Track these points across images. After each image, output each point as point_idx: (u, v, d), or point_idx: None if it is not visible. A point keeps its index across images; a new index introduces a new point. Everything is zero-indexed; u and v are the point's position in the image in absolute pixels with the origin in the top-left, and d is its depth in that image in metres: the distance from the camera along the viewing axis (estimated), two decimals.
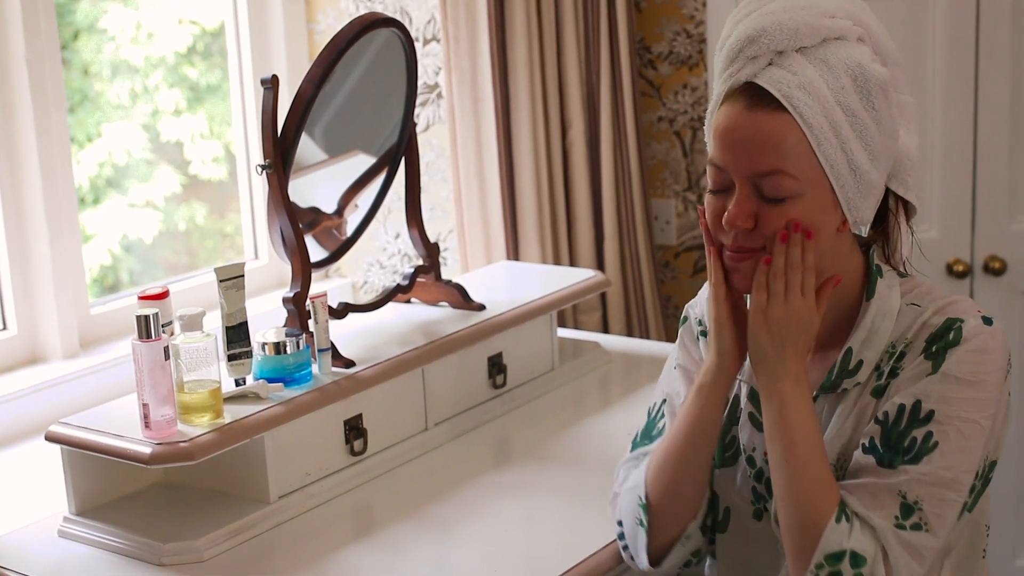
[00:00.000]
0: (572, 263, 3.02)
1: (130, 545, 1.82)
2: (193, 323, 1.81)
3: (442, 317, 2.27)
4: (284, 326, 2.05)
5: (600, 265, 3.05)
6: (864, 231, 1.58)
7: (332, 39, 2.06)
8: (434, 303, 2.34)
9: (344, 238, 2.25)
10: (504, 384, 2.32)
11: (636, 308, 3.08)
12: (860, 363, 1.52)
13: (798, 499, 1.44)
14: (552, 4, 2.88)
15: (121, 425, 1.85)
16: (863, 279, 1.55)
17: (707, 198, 1.52)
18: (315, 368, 2.02)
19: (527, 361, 2.39)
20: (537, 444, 2.18)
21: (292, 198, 2.05)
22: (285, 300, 2.05)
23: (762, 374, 1.49)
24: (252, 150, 2.87)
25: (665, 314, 3.22)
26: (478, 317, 2.27)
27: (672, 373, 1.71)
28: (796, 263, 1.45)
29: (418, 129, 2.61)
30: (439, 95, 2.94)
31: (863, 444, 1.48)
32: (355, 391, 2.01)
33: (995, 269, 2.98)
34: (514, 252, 2.89)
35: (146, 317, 1.77)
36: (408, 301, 2.35)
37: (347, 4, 2.87)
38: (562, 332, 2.64)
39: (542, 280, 2.51)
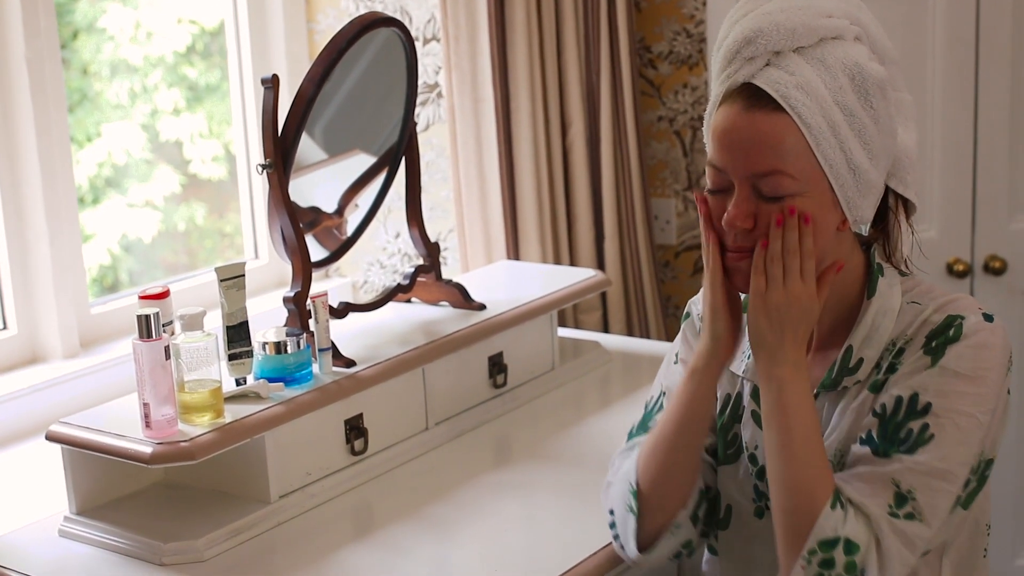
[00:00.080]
0: (572, 263, 3.02)
1: (131, 545, 1.82)
2: (194, 323, 1.81)
3: (442, 317, 2.27)
4: (285, 325, 2.05)
5: (600, 265, 3.05)
6: (864, 230, 1.58)
7: (332, 38, 2.06)
8: (434, 303, 2.34)
9: (344, 238, 2.25)
10: (504, 384, 2.32)
11: (636, 308, 3.08)
12: (860, 361, 1.52)
13: (793, 484, 1.44)
14: (552, 4, 2.88)
15: (122, 425, 1.85)
16: (864, 278, 1.55)
17: (707, 199, 1.52)
18: (316, 368, 2.02)
19: (527, 361, 2.39)
20: (537, 444, 2.18)
21: (292, 197, 2.05)
22: (286, 299, 2.05)
23: (761, 359, 1.49)
24: (252, 150, 2.87)
25: (665, 313, 3.22)
26: (478, 317, 2.27)
27: (672, 367, 1.72)
28: (793, 247, 1.45)
29: (418, 128, 2.61)
30: (439, 94, 2.94)
31: (860, 437, 1.48)
32: (356, 391, 2.01)
33: (995, 269, 2.98)
34: (514, 252, 2.89)
35: (147, 317, 1.77)
36: (408, 301, 2.35)
37: (347, 3, 2.87)
38: (562, 332, 2.64)
39: (542, 280, 2.51)
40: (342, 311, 2.15)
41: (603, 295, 3.05)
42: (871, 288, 1.53)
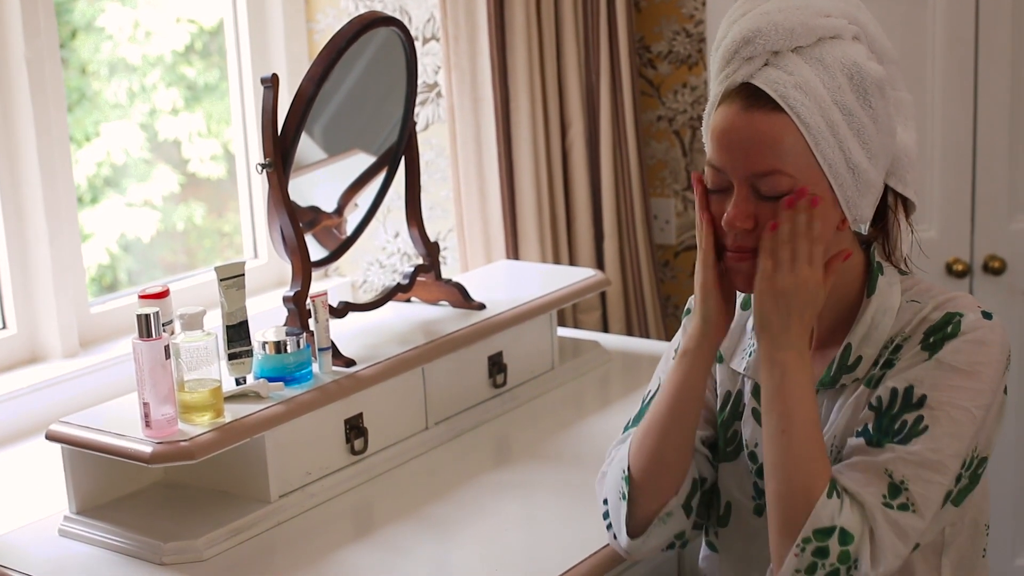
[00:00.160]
0: (572, 262, 3.02)
1: (131, 544, 1.82)
2: (194, 322, 1.81)
3: (442, 316, 2.27)
4: (284, 325, 2.04)
5: (600, 264, 3.05)
6: (864, 229, 1.58)
7: (332, 38, 2.06)
8: (434, 302, 2.34)
9: (344, 237, 2.25)
10: (504, 383, 2.32)
11: (636, 307, 3.08)
12: (859, 359, 1.52)
13: (792, 470, 1.44)
14: (552, 3, 2.88)
15: (122, 424, 1.85)
16: (864, 276, 1.55)
17: (708, 199, 1.52)
18: (315, 367, 2.02)
19: (527, 360, 2.39)
20: (537, 443, 2.18)
21: (292, 197, 2.05)
22: (285, 299, 2.05)
23: (765, 342, 1.48)
24: (251, 149, 2.87)
25: (665, 313, 3.22)
26: (478, 316, 2.27)
27: (671, 362, 1.71)
28: (802, 230, 1.45)
29: (418, 128, 2.61)
30: (439, 94, 2.94)
31: (856, 430, 1.48)
32: (355, 390, 2.01)
33: (994, 268, 2.98)
34: (514, 251, 2.89)
35: (147, 316, 1.77)
36: (408, 300, 2.35)
37: (347, 3, 2.87)
38: (562, 331, 2.64)
39: (542, 279, 2.51)
40: (342, 310, 2.15)
41: (602, 295, 3.05)
42: (871, 286, 1.53)
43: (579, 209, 3.00)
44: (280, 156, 2.01)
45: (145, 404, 1.79)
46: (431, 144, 2.95)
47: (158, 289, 1.91)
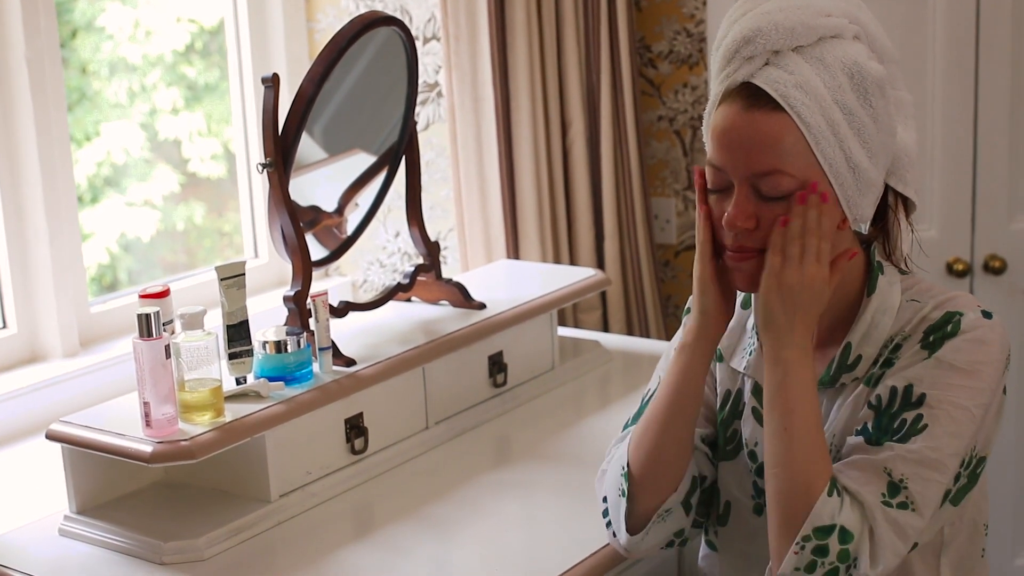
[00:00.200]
0: (572, 262, 3.02)
1: (131, 544, 1.82)
2: (194, 322, 1.81)
3: (442, 316, 2.27)
4: (285, 325, 2.04)
5: (600, 264, 3.05)
6: (864, 228, 1.58)
7: (333, 37, 2.06)
8: (434, 302, 2.34)
9: (344, 237, 2.25)
10: (504, 383, 2.32)
11: (636, 307, 3.08)
12: (859, 358, 1.52)
13: (793, 468, 1.44)
14: (552, 3, 2.88)
15: (122, 424, 1.85)
16: (864, 276, 1.55)
17: (708, 199, 1.52)
18: (316, 367, 2.02)
19: (527, 360, 2.38)
20: (537, 443, 2.18)
21: (293, 196, 2.05)
22: (286, 298, 2.05)
23: (770, 339, 1.48)
24: (252, 149, 2.87)
25: (665, 313, 3.22)
26: (478, 316, 2.27)
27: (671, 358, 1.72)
28: (813, 226, 1.44)
29: (418, 128, 2.61)
30: (439, 94, 2.94)
31: (856, 428, 1.49)
32: (356, 390, 2.01)
33: (995, 268, 2.98)
34: (514, 251, 2.89)
35: (147, 316, 1.76)
36: (408, 300, 2.35)
37: (347, 3, 2.87)
38: (562, 331, 2.64)
39: (542, 279, 2.51)
40: (342, 310, 2.15)
41: (603, 294, 3.05)
42: (871, 286, 1.53)
43: (580, 209, 3.00)
44: (281, 156, 2.01)
45: (145, 404, 1.79)
46: (432, 144, 2.95)
47: (159, 289, 1.91)
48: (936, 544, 1.53)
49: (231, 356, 1.95)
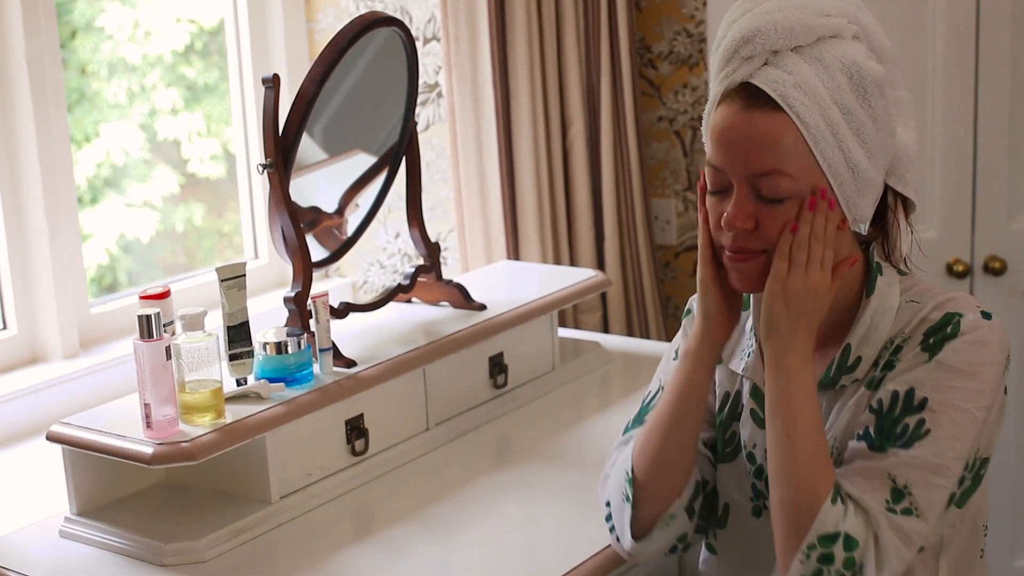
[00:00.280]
0: (572, 263, 3.02)
1: (131, 545, 1.82)
2: (195, 323, 1.81)
3: (443, 317, 2.27)
4: (285, 326, 2.04)
5: (600, 265, 3.05)
6: (863, 229, 1.57)
7: (333, 38, 2.06)
8: (435, 303, 2.33)
9: (345, 238, 2.25)
10: (505, 384, 2.32)
11: (636, 308, 3.08)
12: (859, 359, 1.52)
13: (796, 477, 1.44)
14: (552, 3, 2.88)
15: (122, 425, 1.84)
16: (863, 276, 1.55)
17: (707, 200, 1.51)
18: (316, 368, 2.02)
19: (528, 361, 2.38)
20: (538, 444, 2.18)
21: (293, 197, 2.05)
22: (286, 300, 2.05)
23: (772, 345, 1.48)
24: (252, 149, 2.87)
25: (665, 314, 3.22)
26: (479, 317, 2.27)
27: (671, 363, 1.71)
28: (820, 233, 1.45)
29: (418, 128, 2.61)
30: (439, 94, 2.93)
31: (858, 433, 1.48)
32: (356, 391, 2.01)
33: (995, 269, 2.98)
34: (514, 252, 2.89)
35: (148, 317, 1.76)
36: (409, 301, 2.35)
37: (347, 3, 2.87)
38: (562, 332, 2.64)
39: (542, 280, 2.51)
40: (343, 311, 2.15)
41: (603, 295, 3.05)
42: (870, 287, 1.53)
43: (580, 209, 3.00)
44: (281, 156, 2.00)
45: (146, 405, 1.78)
46: (432, 144, 2.95)
47: (159, 290, 1.91)
48: (935, 545, 1.53)
49: (232, 357, 1.95)
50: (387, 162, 2.28)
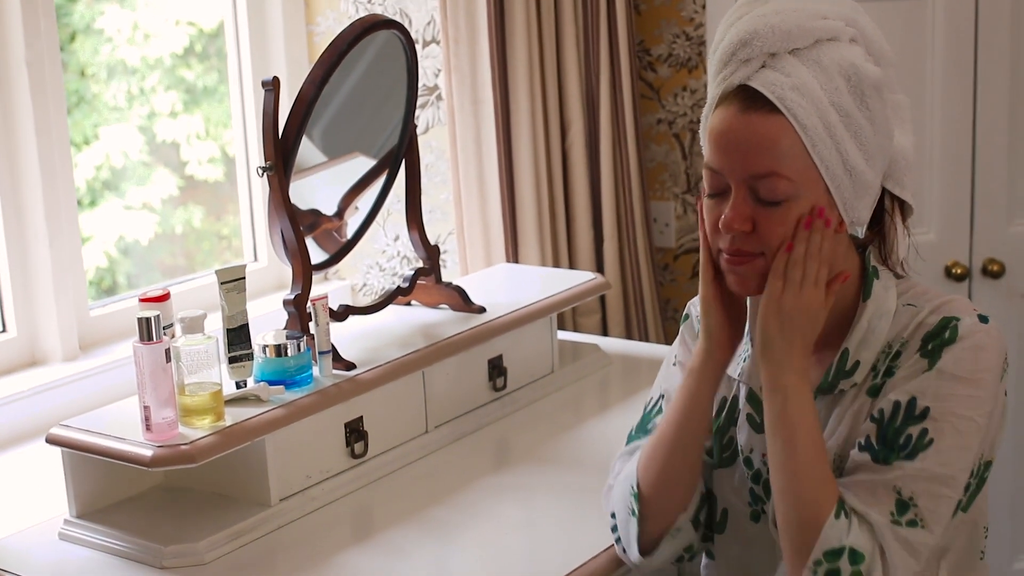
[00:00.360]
0: (571, 265, 3.02)
1: (131, 548, 1.82)
2: (194, 325, 1.81)
3: (442, 319, 2.27)
4: (285, 328, 2.04)
5: (599, 267, 3.05)
6: (860, 232, 1.57)
7: (333, 41, 2.06)
8: (434, 305, 2.34)
9: (344, 240, 2.25)
10: (504, 386, 2.32)
11: (635, 310, 3.08)
12: (857, 364, 1.52)
13: (799, 495, 1.44)
14: (552, 6, 2.88)
15: (122, 427, 1.84)
16: (859, 280, 1.55)
17: (704, 203, 1.52)
18: (316, 370, 2.02)
19: (527, 363, 2.38)
20: (537, 446, 2.18)
21: (292, 200, 2.05)
22: (286, 302, 2.05)
23: (768, 366, 1.48)
24: (251, 152, 2.87)
25: (664, 316, 3.23)
26: (478, 319, 2.27)
27: (671, 369, 1.72)
28: (816, 251, 1.45)
29: (418, 131, 2.61)
30: (439, 97, 2.94)
31: (859, 443, 1.48)
32: (356, 393, 2.01)
33: (993, 272, 2.98)
34: (513, 254, 2.89)
35: (147, 319, 1.76)
36: (408, 303, 2.35)
37: (346, 6, 2.87)
38: (562, 334, 2.64)
39: (542, 282, 2.51)
40: (342, 314, 2.15)
41: (602, 298, 3.05)
42: (866, 291, 1.53)
43: (579, 212, 3.00)
44: (281, 159, 2.00)
45: (146, 407, 1.78)
46: (431, 147, 2.95)
47: (159, 292, 1.91)
48: (937, 548, 1.53)
49: (231, 360, 1.95)
50: (387, 165, 2.28)
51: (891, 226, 1.57)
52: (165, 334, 1.85)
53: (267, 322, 2.40)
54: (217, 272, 1.93)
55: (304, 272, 2.05)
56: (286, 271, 2.83)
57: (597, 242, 3.04)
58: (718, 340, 1.55)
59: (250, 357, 1.96)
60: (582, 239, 3.01)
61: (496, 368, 2.30)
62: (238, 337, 1.94)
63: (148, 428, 1.79)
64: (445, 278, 2.43)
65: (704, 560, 1.72)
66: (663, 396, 1.70)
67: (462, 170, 2.83)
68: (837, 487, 1.45)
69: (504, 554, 1.82)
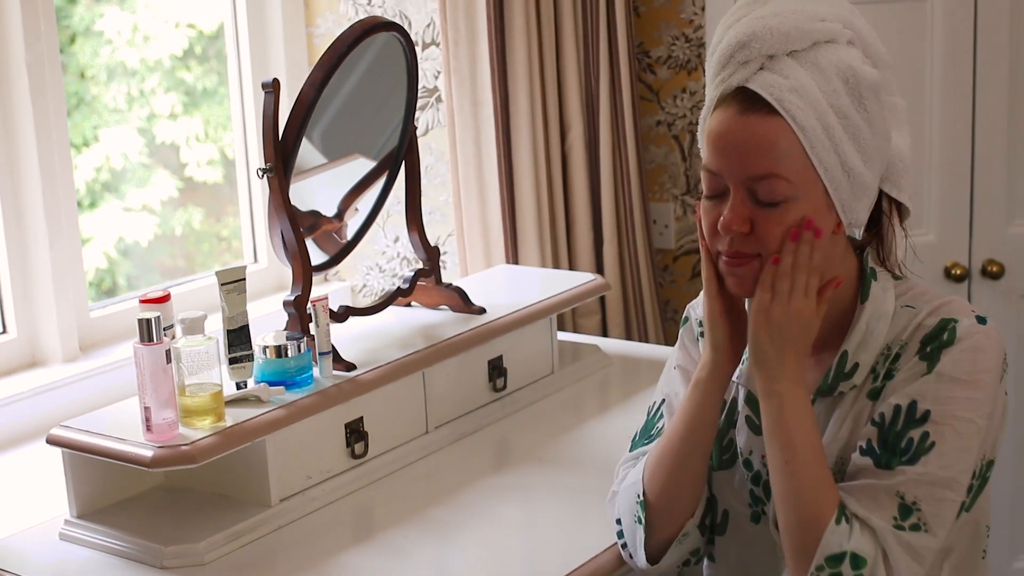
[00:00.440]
0: (571, 266, 3.02)
1: (131, 548, 1.82)
2: (195, 326, 1.81)
3: (442, 320, 2.27)
4: (285, 329, 2.05)
5: (599, 268, 3.05)
6: (858, 233, 1.58)
7: (333, 43, 2.06)
8: (434, 306, 2.34)
9: (344, 242, 2.25)
10: (504, 387, 2.32)
11: (635, 311, 3.09)
12: (856, 366, 1.52)
13: (798, 501, 1.44)
14: (551, 8, 2.88)
15: (122, 428, 1.85)
16: (857, 282, 1.55)
17: (703, 204, 1.52)
18: (316, 371, 2.02)
19: (527, 364, 2.39)
20: (537, 447, 2.18)
21: (293, 202, 2.05)
22: (286, 303, 2.05)
23: (761, 374, 1.49)
24: (251, 154, 2.87)
25: (664, 317, 3.23)
26: (478, 320, 2.27)
27: (671, 373, 1.72)
28: (804, 263, 1.45)
29: (418, 133, 2.61)
30: (438, 99, 2.94)
31: (860, 446, 1.48)
32: (356, 394, 2.01)
33: (993, 273, 2.98)
34: (513, 256, 2.89)
35: (148, 320, 1.77)
36: (408, 304, 2.35)
37: (346, 8, 2.87)
38: (562, 335, 2.64)
39: (541, 283, 2.51)
40: (342, 315, 2.15)
41: (602, 299, 3.05)
42: (864, 292, 1.53)
43: (578, 213, 3.00)
44: (281, 161, 2.01)
45: (146, 408, 1.79)
46: (431, 149, 2.96)
47: (159, 293, 1.91)
48: (939, 548, 1.53)
49: (231, 361, 1.95)
50: (386, 166, 2.28)
51: (889, 228, 1.58)
52: (165, 335, 1.85)
53: (267, 323, 2.41)
54: (217, 273, 1.93)
55: (304, 273, 2.05)
56: (286, 272, 2.84)
57: (597, 243, 3.05)
58: (725, 352, 1.56)
59: (250, 358, 1.96)
60: (582, 240, 3.01)
61: (496, 369, 2.31)
62: (238, 338, 1.95)
63: (148, 429, 1.79)
64: (445, 279, 2.43)
65: (705, 561, 1.72)
66: (665, 401, 1.70)
67: (462, 172, 2.84)
68: (837, 491, 1.45)
69: (504, 554, 1.82)
